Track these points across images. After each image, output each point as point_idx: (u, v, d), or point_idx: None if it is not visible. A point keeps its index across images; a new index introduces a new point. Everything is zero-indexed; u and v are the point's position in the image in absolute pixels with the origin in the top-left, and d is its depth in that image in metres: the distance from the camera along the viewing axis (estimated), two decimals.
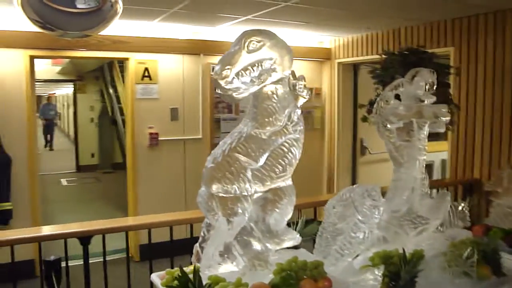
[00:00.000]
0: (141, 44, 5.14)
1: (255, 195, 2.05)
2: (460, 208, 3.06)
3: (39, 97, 17.84)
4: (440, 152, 5.75)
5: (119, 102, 8.85)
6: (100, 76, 10.17)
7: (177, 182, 5.48)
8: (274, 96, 1.99)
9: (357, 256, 2.56)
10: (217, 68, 1.88)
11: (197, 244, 2.11)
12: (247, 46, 1.90)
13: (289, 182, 2.12)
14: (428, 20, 4.68)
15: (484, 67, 4.21)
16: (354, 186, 2.26)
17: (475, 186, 4.28)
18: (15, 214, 4.85)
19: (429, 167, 7.11)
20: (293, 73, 2.16)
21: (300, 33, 5.71)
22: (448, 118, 2.68)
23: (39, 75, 10.30)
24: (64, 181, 10.56)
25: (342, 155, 6.24)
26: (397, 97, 2.64)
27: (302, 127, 2.07)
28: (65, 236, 2.75)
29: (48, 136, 16.13)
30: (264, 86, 1.96)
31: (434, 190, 2.81)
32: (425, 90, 2.57)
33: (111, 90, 9.10)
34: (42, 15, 3.43)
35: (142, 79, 5.30)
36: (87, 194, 9.37)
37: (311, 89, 6.19)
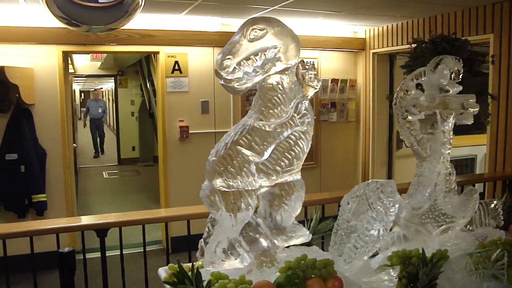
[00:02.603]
0: (170, 38, 5.14)
1: (261, 190, 1.98)
2: (492, 206, 2.87)
3: (86, 93, 17.91)
4: (484, 146, 5.48)
5: (155, 95, 8.94)
6: (140, 71, 10.30)
7: None
8: (279, 86, 1.89)
9: (376, 254, 2.45)
10: (218, 58, 1.81)
11: (202, 239, 2.05)
12: (249, 35, 1.81)
13: (297, 176, 2.03)
14: (466, 6, 4.43)
15: None
16: (369, 181, 2.14)
17: None
18: (50, 205, 4.97)
19: (471, 161, 6.82)
20: (302, 62, 2.06)
21: (333, 24, 5.56)
22: (476, 109, 2.50)
23: (81, 70, 10.65)
24: (105, 174, 10.82)
25: (377, 149, 6.05)
26: (420, 87, 2.49)
27: (310, 119, 1.97)
28: (81, 229, 2.76)
29: (98, 139, 13.46)
30: (269, 76, 1.87)
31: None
32: (450, 79, 2.41)
33: (148, 84, 9.20)
34: (66, 11, 3.47)
35: (172, 72, 5.31)
36: (126, 186, 9.54)
37: (345, 81, 6.05)
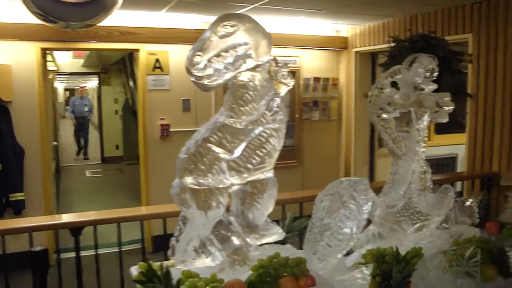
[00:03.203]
0: (151, 35, 5.10)
1: (233, 188, 1.96)
2: (467, 204, 2.89)
3: (72, 91, 17.51)
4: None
5: None
6: (123, 68, 10.22)
7: None
8: (251, 83, 1.88)
9: (351, 252, 2.45)
10: (188, 55, 1.79)
11: (174, 238, 2.03)
12: (220, 31, 1.80)
13: (269, 174, 2.01)
14: (446, 5, 4.45)
15: (504, 54, 3.97)
16: (342, 179, 2.13)
17: (494, 180, 4.06)
18: (28, 204, 4.89)
19: (452, 160, 6.86)
20: (274, 59, 2.05)
21: (315, 22, 5.56)
22: (451, 108, 2.51)
23: (63, 68, 10.53)
24: (88, 173, 10.72)
25: (359, 147, 6.07)
26: (395, 85, 2.49)
27: (282, 117, 1.95)
28: (54, 227, 2.72)
29: (82, 140, 12.56)
30: (240, 73, 1.86)
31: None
32: (425, 77, 2.41)
33: (131, 82, 9.12)
34: (43, 7, 3.42)
35: (153, 70, 5.27)
36: (109, 185, 9.46)
37: (327, 79, 6.05)
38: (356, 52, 5.92)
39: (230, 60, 1.81)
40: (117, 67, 10.79)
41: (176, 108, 5.38)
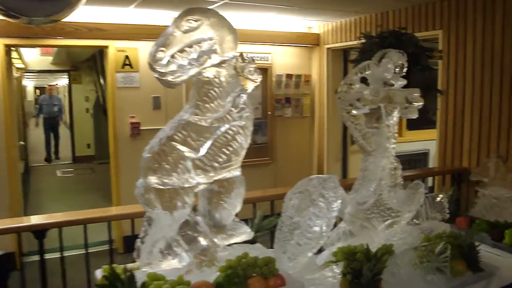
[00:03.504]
0: (120, 31, 4.98)
1: (199, 187, 1.92)
2: (438, 199, 2.89)
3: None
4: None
5: None
6: (93, 66, 10.03)
7: None
8: (216, 80, 1.83)
9: (322, 250, 2.42)
10: (151, 50, 1.73)
11: (139, 239, 1.97)
12: (183, 26, 1.74)
13: (236, 173, 1.97)
14: (416, 2, 4.47)
15: (473, 50, 4.00)
16: (312, 176, 2.10)
17: (464, 175, 4.09)
18: None
19: (424, 156, 6.93)
20: (241, 55, 2.00)
21: (287, 19, 5.52)
22: (421, 104, 2.50)
23: (32, 65, 10.27)
24: (59, 173, 10.49)
25: (332, 144, 6.07)
26: (365, 81, 2.47)
27: (249, 114, 1.91)
28: (17, 230, 2.62)
29: (53, 141, 11.70)
30: (205, 69, 1.81)
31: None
32: (394, 73, 2.39)
33: (102, 80, 8.95)
34: (3, 1, 3.29)
35: (123, 67, 5.15)
36: (80, 185, 9.28)
37: (299, 76, 6.03)
38: (328, 48, 5.91)
39: (195, 55, 1.76)
40: (88, 65, 10.58)
41: (146, 106, 5.27)
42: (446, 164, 4.31)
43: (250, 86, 2.03)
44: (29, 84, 16.31)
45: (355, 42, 5.22)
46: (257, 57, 5.73)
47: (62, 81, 14.67)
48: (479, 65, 3.98)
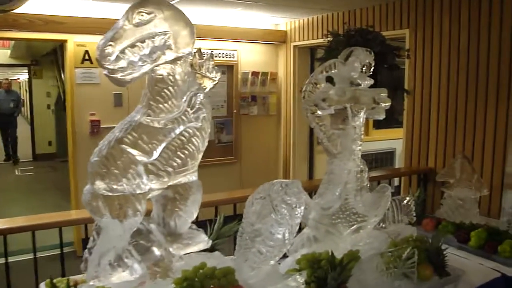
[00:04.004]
0: (79, 25, 4.75)
1: (153, 193, 1.78)
2: (405, 202, 2.83)
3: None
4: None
5: None
6: (55, 60, 9.68)
7: None
8: (170, 78, 1.70)
9: (285, 257, 2.32)
10: (98, 44, 1.58)
11: (86, 250, 1.82)
12: (134, 19, 1.60)
13: (193, 177, 1.84)
14: (384, 1, 4.42)
15: (439, 49, 3.97)
16: (274, 181, 1.98)
17: (430, 176, 4.06)
18: None
19: (391, 155, 6.94)
20: (198, 51, 1.87)
21: (254, 15, 5.40)
22: (388, 104, 2.42)
23: None
24: (18, 171, 10.11)
25: (298, 143, 5.98)
26: (331, 80, 2.37)
27: (206, 114, 1.79)
28: None
29: (9, 139, 10.79)
30: (158, 66, 1.67)
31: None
32: (361, 72, 2.30)
33: (63, 75, 8.65)
34: None
35: (82, 62, 4.92)
36: (41, 184, 8.95)
37: (266, 74, 5.91)
38: (295, 46, 5.81)
39: (147, 51, 1.62)
40: (49, 59, 10.21)
41: (107, 103, 5.06)
42: (413, 165, 4.28)
43: (208, 84, 1.90)
44: None
45: (322, 40, 5.14)
46: (223, 54, 5.59)
47: (22, 76, 14.09)
48: (445, 65, 3.95)
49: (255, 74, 5.82)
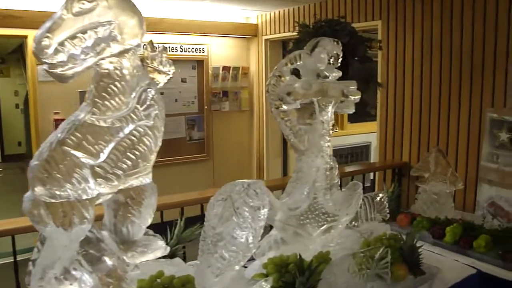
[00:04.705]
0: (39, 20, 4.41)
1: (103, 198, 1.63)
2: (378, 199, 2.73)
3: None
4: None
5: None
6: (21, 58, 9.35)
7: None
8: (117, 72, 1.55)
9: (253, 260, 2.20)
10: (36, 36, 1.43)
11: (30, 262, 1.66)
12: (74, 7, 1.44)
13: (146, 180, 1.70)
14: None
15: (412, 41, 3.89)
16: (236, 181, 1.85)
17: (404, 170, 3.99)
18: None
19: (366, 148, 6.88)
20: (150, 43, 1.73)
21: (224, 8, 5.25)
22: (358, 97, 2.31)
23: None
24: None
25: (272, 139, 5.85)
26: (298, 72, 2.25)
27: (159, 111, 1.64)
28: None
29: None
30: (103, 59, 1.52)
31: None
32: (328, 63, 2.18)
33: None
34: None
35: None
36: (8, 186, 8.65)
37: (237, 68, 5.77)
38: (266, 39, 5.67)
39: (89, 43, 1.47)
40: (16, 57, 9.87)
41: (72, 102, 4.84)
42: (387, 159, 4.20)
43: (161, 79, 1.76)
44: None
45: (294, 33, 5.03)
46: (192, 48, 5.42)
47: None
48: (418, 57, 3.87)
49: (226, 69, 5.67)
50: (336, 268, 2.04)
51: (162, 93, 5.14)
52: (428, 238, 2.87)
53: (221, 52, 5.64)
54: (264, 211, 1.79)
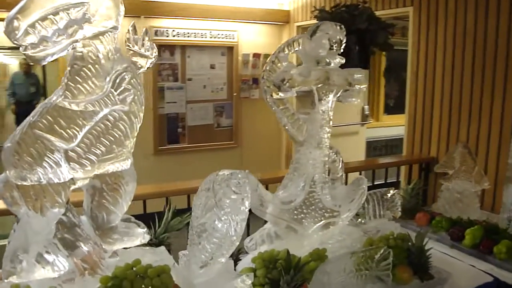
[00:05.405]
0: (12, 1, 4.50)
1: (82, 183, 1.61)
2: (389, 195, 2.59)
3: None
4: None
5: None
6: None
7: None
8: (91, 55, 1.51)
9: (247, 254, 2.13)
10: (7, 17, 1.40)
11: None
12: None
13: (124, 166, 1.66)
14: None
15: (444, 29, 3.66)
16: (220, 171, 1.78)
17: (431, 165, 3.78)
18: None
19: (401, 141, 6.61)
20: (133, 26, 1.68)
21: None
22: (364, 86, 2.18)
23: None
24: None
25: None
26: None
27: (135, 96, 1.59)
28: None
29: None
30: (77, 42, 1.48)
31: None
32: (330, 50, 2.06)
33: None
34: None
35: None
36: None
37: (268, 56, 5.64)
38: (298, 26, 5.54)
39: (61, 25, 1.43)
40: None
41: None
42: (414, 153, 4.00)
43: (144, 63, 1.70)
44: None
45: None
46: (222, 35, 5.36)
47: None
48: (450, 47, 3.64)
49: (256, 56, 5.58)
50: (331, 267, 1.93)
51: (190, 79, 5.15)
52: (447, 240, 2.69)
53: (251, 38, 5.55)
54: (246, 203, 1.72)
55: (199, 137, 5.31)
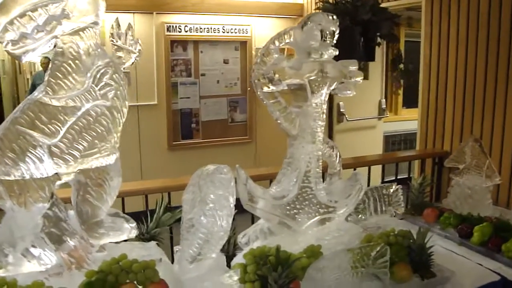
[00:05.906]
0: None
1: (68, 177, 1.63)
2: (391, 191, 2.54)
3: None
4: None
5: None
6: None
7: (131, 151, 4.97)
8: (71, 51, 1.52)
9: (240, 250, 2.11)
10: None
11: None
12: None
13: (108, 161, 1.67)
14: None
15: (457, 20, 3.55)
16: (206, 167, 1.77)
17: (445, 160, 3.68)
18: None
19: (414, 136, 6.50)
20: (116, 21, 1.68)
21: None
22: (360, 78, 2.13)
23: None
24: None
25: None
26: None
27: (116, 91, 1.60)
28: None
29: None
30: (56, 38, 1.50)
31: None
32: (323, 41, 2.01)
33: None
34: None
35: None
36: None
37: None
38: None
39: (40, 21, 1.45)
40: None
41: None
42: (427, 147, 3.91)
43: (128, 58, 1.70)
44: None
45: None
46: (235, 29, 5.33)
47: None
48: (464, 38, 3.54)
49: None
50: (326, 263, 1.89)
51: (203, 75, 5.13)
52: (455, 237, 2.61)
53: (265, 33, 5.49)
54: (231, 199, 1.71)
55: (213, 132, 5.31)
